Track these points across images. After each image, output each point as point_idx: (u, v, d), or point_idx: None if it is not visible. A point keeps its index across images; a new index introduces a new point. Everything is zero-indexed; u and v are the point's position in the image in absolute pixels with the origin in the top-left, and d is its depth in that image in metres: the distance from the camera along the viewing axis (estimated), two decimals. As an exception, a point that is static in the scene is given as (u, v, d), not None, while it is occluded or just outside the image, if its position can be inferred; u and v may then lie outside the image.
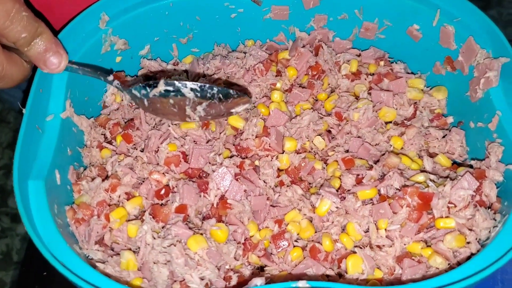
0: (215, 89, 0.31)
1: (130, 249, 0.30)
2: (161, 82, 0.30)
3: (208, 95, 0.31)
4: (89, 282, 0.25)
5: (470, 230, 0.29)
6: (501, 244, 0.25)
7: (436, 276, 0.24)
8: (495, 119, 0.31)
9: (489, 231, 0.29)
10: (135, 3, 0.36)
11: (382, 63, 0.39)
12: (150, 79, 0.39)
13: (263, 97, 0.37)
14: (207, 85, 0.31)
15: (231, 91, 0.31)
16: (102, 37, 0.36)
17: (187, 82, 0.31)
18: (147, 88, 0.31)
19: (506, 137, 0.30)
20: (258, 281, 0.26)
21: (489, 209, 0.30)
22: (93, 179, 0.33)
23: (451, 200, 0.29)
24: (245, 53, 0.39)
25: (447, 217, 0.29)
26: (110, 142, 0.36)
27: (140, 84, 0.31)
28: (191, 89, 0.31)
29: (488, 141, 0.32)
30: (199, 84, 0.31)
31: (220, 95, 0.31)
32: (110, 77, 0.32)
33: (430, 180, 0.31)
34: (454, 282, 0.24)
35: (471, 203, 0.29)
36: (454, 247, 0.29)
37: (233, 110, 0.32)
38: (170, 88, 0.31)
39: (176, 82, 0.30)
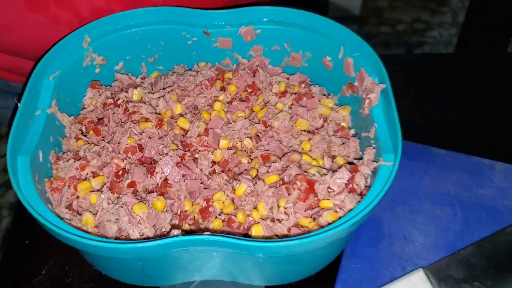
0: None
1: (90, 212, 0.40)
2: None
3: None
4: (58, 227, 0.35)
5: (341, 209, 0.39)
6: (351, 215, 0.35)
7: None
8: (372, 130, 0.42)
9: (355, 211, 0.39)
10: (112, 29, 0.47)
11: (303, 85, 0.49)
12: (122, 89, 0.50)
13: (207, 106, 0.48)
14: None
15: None
16: (84, 54, 0.47)
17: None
18: None
19: (377, 142, 0.40)
20: (175, 231, 0.36)
21: (360, 196, 0.40)
22: (68, 160, 0.43)
23: (330, 186, 0.39)
24: (197, 72, 0.50)
25: (327, 199, 0.39)
26: (84, 135, 0.46)
27: None
28: None
29: (367, 146, 0.42)
30: None
31: None
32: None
33: (318, 172, 0.41)
34: (310, 236, 0.33)
35: (345, 189, 0.39)
36: (329, 221, 0.39)
37: None
38: None
39: None
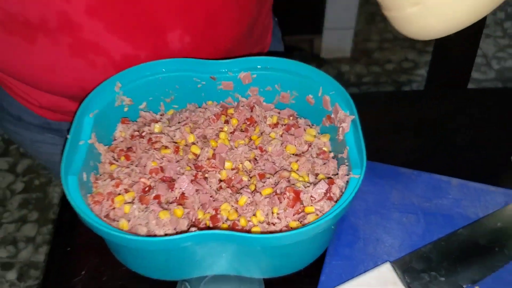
0: None
1: (125, 219, 0.51)
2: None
3: None
4: (106, 227, 0.46)
5: (321, 212, 0.50)
6: (326, 215, 0.46)
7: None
8: (345, 151, 0.53)
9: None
10: (138, 76, 0.59)
11: (291, 118, 0.61)
12: (145, 124, 0.61)
13: (214, 135, 0.59)
14: None
15: None
16: (116, 96, 0.59)
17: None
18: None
19: (349, 161, 0.52)
20: (193, 229, 0.47)
21: (335, 202, 0.51)
22: (105, 180, 0.54)
23: (312, 195, 0.50)
24: (206, 108, 0.62)
25: (310, 205, 0.50)
26: (116, 161, 0.57)
27: None
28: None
29: (342, 164, 0.53)
30: None
31: None
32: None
33: (303, 185, 0.52)
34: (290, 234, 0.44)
35: (324, 197, 0.50)
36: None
37: None
38: None
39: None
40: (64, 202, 0.63)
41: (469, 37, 0.90)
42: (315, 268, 0.54)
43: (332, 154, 0.58)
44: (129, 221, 0.51)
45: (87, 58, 0.59)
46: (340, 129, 0.54)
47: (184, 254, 0.49)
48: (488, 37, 2.25)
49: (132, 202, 0.52)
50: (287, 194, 0.51)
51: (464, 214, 0.58)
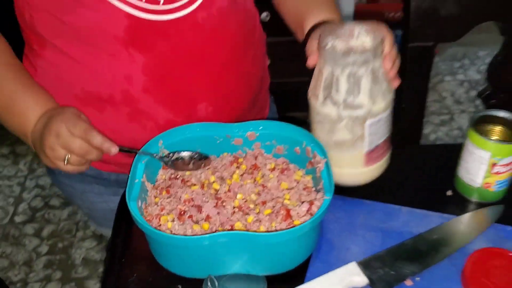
0: (196, 154, 0.77)
1: (168, 231, 0.73)
2: (175, 152, 0.77)
3: (194, 157, 0.77)
4: (160, 233, 0.68)
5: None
6: (305, 223, 0.68)
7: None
8: (321, 183, 0.76)
9: (313, 224, 0.72)
10: (175, 135, 0.83)
11: (284, 164, 0.84)
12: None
13: (229, 176, 0.82)
14: (193, 152, 0.77)
15: (203, 155, 0.78)
16: (159, 149, 0.83)
17: (185, 152, 0.77)
18: (170, 156, 0.77)
19: (324, 189, 0.75)
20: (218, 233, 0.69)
21: (315, 217, 0.73)
22: (153, 206, 0.77)
23: (299, 212, 0.73)
24: (222, 158, 0.86)
25: (297, 219, 0.73)
26: (160, 194, 0.80)
27: (166, 157, 0.78)
28: (188, 156, 0.77)
29: (319, 191, 0.76)
30: (190, 152, 0.77)
31: (198, 157, 0.77)
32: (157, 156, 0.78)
33: (292, 206, 0.74)
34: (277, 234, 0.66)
35: (306, 214, 0.73)
36: (298, 230, 0.72)
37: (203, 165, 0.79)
38: (178, 156, 0.77)
39: (181, 153, 0.77)
40: (116, 226, 0.85)
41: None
42: (302, 268, 0.75)
43: (313, 189, 0.81)
44: (171, 232, 0.73)
45: (140, 122, 0.84)
46: (317, 168, 0.78)
47: (210, 253, 0.70)
48: (463, 112, 2.54)
49: (172, 221, 0.75)
50: (281, 212, 0.73)
51: (410, 231, 0.80)
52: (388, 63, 0.74)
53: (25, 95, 0.84)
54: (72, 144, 0.75)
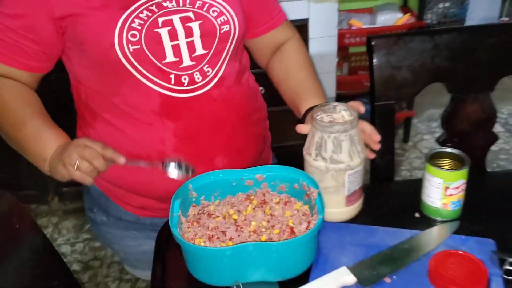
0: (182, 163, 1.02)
1: (201, 249, 0.96)
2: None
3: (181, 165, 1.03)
4: (196, 247, 0.91)
5: (305, 236, 0.95)
6: (305, 234, 0.92)
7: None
8: (316, 208, 1.00)
9: (311, 237, 0.95)
10: (201, 181, 1.08)
11: (287, 198, 1.08)
12: (204, 206, 1.08)
13: (244, 209, 1.06)
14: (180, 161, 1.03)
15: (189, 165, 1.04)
16: (189, 191, 1.07)
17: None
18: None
19: (318, 212, 0.99)
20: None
21: (312, 232, 0.96)
22: (188, 233, 1.00)
23: (300, 229, 0.96)
24: (237, 196, 1.10)
25: (300, 235, 0.96)
26: (191, 224, 1.03)
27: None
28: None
29: (315, 214, 1.00)
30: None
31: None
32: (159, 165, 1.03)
33: (296, 225, 0.98)
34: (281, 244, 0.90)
35: (306, 230, 0.96)
36: (300, 242, 0.95)
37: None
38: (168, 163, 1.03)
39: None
40: (158, 251, 1.07)
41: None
42: (306, 274, 0.97)
43: (310, 214, 1.05)
44: (204, 250, 0.96)
45: None
46: (312, 197, 1.02)
47: (233, 263, 0.93)
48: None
49: (204, 242, 0.98)
50: (287, 229, 0.97)
51: (387, 244, 1.03)
52: (376, 135, 1.05)
53: (51, 131, 1.00)
54: (85, 151, 0.88)
